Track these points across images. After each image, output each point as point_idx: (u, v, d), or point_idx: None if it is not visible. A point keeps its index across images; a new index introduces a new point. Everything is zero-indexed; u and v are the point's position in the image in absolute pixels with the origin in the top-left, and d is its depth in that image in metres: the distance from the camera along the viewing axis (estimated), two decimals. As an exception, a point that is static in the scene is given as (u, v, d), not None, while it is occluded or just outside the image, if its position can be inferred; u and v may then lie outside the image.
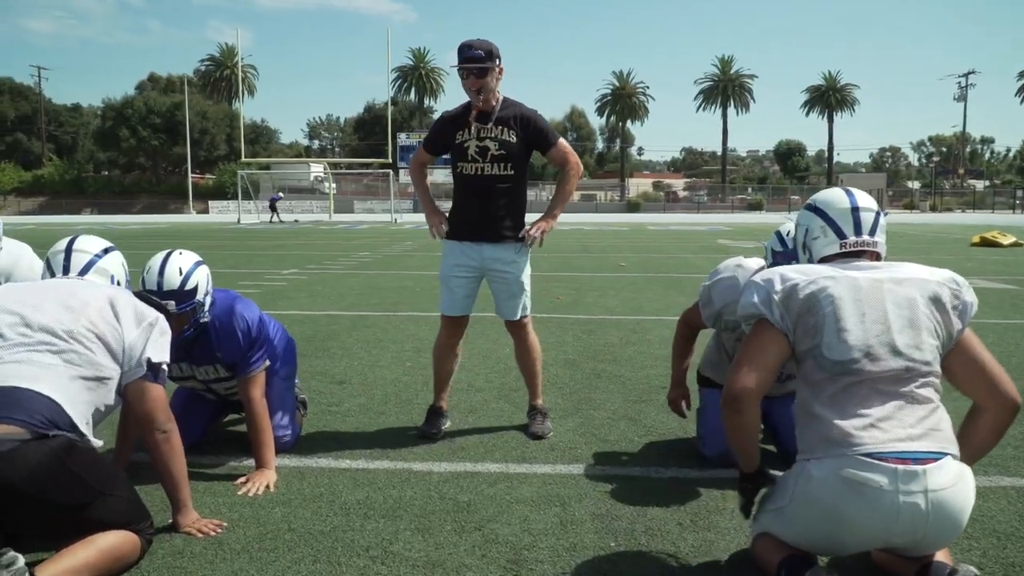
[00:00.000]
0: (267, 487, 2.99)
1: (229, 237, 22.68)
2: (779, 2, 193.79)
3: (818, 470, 2.07)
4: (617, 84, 71.59)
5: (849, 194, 2.30)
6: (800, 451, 2.20)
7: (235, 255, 15.47)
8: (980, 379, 2.17)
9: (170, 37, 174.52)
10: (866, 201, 2.28)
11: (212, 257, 14.75)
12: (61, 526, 2.21)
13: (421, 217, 30.95)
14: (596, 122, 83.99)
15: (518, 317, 3.70)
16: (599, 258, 14.46)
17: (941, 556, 2.10)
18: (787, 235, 3.10)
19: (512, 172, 3.61)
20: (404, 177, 48.65)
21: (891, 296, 2.14)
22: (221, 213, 51.92)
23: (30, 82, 69.25)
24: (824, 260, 2.29)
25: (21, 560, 2.03)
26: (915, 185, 75.01)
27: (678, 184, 77.87)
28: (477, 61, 3.43)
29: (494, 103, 3.56)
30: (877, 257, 2.29)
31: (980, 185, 72.39)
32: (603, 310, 7.76)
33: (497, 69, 3.50)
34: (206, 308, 3.08)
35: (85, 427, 2.35)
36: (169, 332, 2.66)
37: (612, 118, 73.85)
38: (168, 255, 3.02)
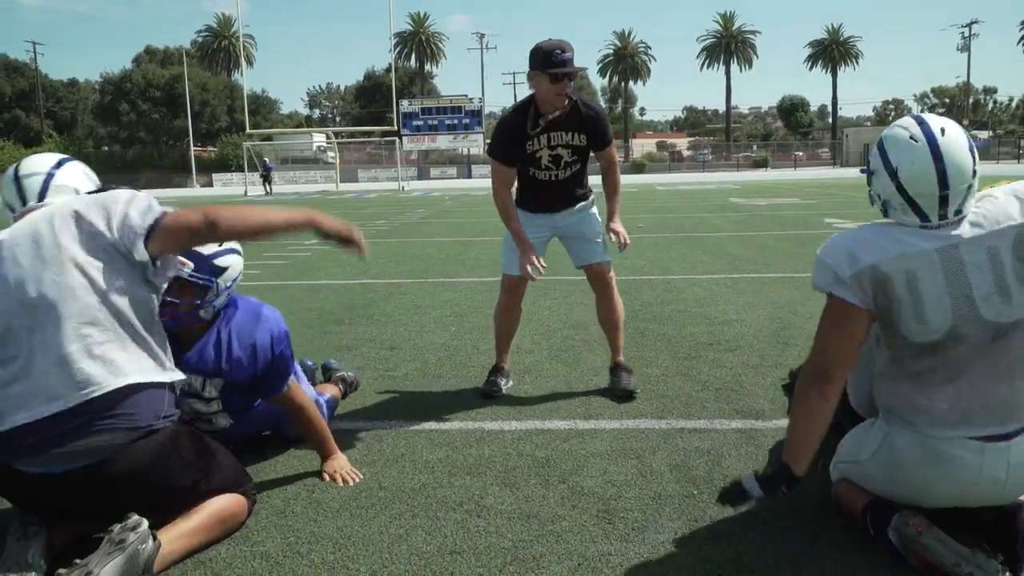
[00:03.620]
0: (351, 475, 2.83)
1: (240, 209, 22.67)
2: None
3: (901, 440, 2.13)
4: (619, 44, 70.85)
5: (941, 174, 1.96)
6: (882, 408, 2.26)
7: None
8: None
9: (165, 8, 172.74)
10: (958, 173, 1.96)
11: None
12: (178, 504, 2.33)
13: (428, 184, 30.97)
14: (598, 83, 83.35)
15: (606, 259, 3.80)
16: (615, 220, 14.50)
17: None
18: None
19: (580, 165, 3.64)
20: (408, 144, 48.46)
21: (971, 261, 1.99)
22: (226, 186, 51.85)
23: (25, 58, 68.66)
24: None
25: (145, 523, 2.14)
26: (920, 137, 74.22)
27: (682, 144, 77.39)
28: (571, 65, 3.29)
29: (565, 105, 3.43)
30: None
31: (984, 135, 71.82)
32: (631, 271, 7.83)
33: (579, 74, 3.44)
34: (218, 301, 2.70)
35: (167, 368, 2.31)
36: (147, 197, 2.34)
37: (614, 79, 73.22)
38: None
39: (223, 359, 2.70)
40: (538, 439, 3.20)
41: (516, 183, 3.64)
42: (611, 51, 71.26)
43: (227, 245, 2.70)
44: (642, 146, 70.84)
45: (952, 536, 2.04)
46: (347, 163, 51.88)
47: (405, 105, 49.31)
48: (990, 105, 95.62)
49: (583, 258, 3.80)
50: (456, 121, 49.05)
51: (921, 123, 2.01)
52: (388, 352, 4.73)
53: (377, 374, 4.22)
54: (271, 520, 2.53)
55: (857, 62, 71.50)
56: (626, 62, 70.27)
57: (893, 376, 2.17)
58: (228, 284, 2.73)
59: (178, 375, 2.36)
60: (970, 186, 2.00)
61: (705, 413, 3.45)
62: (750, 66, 71.05)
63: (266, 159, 39.63)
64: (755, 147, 67.73)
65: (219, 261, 2.66)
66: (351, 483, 2.79)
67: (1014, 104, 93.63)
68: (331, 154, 48.19)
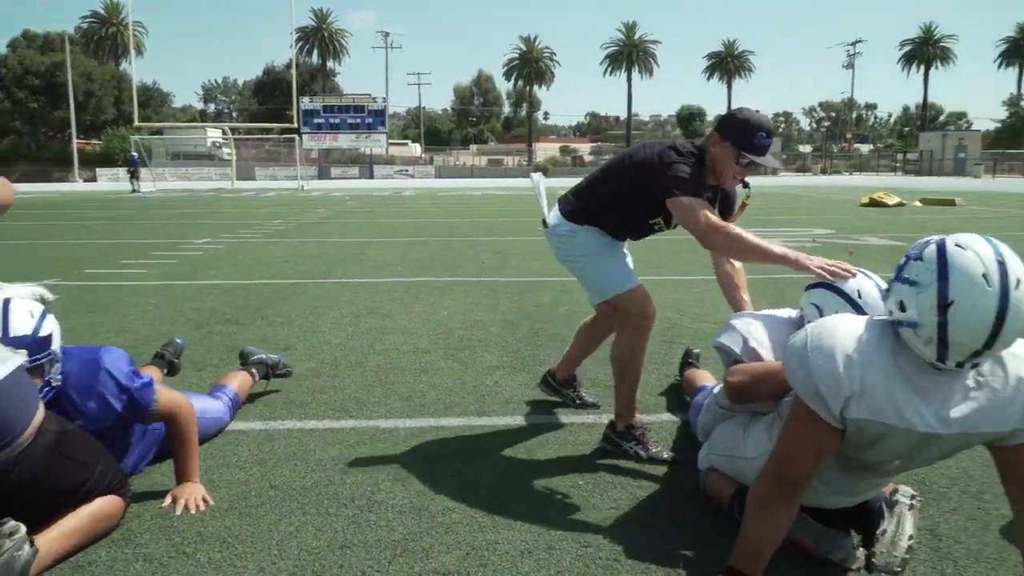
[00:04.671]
0: (204, 501, 2.61)
1: (127, 206, 21.74)
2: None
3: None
4: (524, 48, 71.59)
5: (994, 334, 1.65)
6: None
7: (140, 225, 14.92)
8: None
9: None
10: (1010, 338, 1.68)
11: (115, 228, 14.22)
12: (66, 504, 2.29)
13: (329, 184, 30.52)
14: (503, 87, 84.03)
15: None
16: (518, 223, 14.69)
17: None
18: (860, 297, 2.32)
19: None
20: (308, 142, 47.48)
21: (943, 444, 1.88)
22: (111, 181, 49.33)
23: None
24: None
25: (23, 529, 2.08)
26: (807, 149, 78.30)
27: (584, 149, 78.74)
28: (768, 151, 2.81)
29: None
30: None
31: (865, 149, 76.33)
32: (529, 272, 7.98)
33: None
34: (56, 367, 2.46)
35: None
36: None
37: (519, 82, 73.91)
38: (7, 299, 2.41)
39: (75, 417, 2.46)
40: (432, 436, 3.25)
41: (620, 217, 3.11)
42: (516, 55, 71.94)
43: (39, 308, 2.46)
44: (545, 150, 71.71)
45: (813, 518, 2.21)
46: (244, 160, 50.34)
47: (306, 102, 48.32)
48: (871, 120, 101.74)
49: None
50: (359, 120, 48.45)
51: (1001, 263, 1.65)
52: (283, 352, 4.66)
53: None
54: (155, 521, 2.49)
55: (751, 75, 74.85)
56: (531, 66, 71.06)
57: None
58: (59, 345, 2.50)
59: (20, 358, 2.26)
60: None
61: (594, 409, 3.58)
62: (651, 75, 73.24)
63: (134, 153, 35.66)
64: (653, 154, 69.56)
65: (44, 331, 2.42)
66: (193, 511, 2.55)
67: (892, 120, 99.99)
68: (227, 151, 46.65)
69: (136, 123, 37.50)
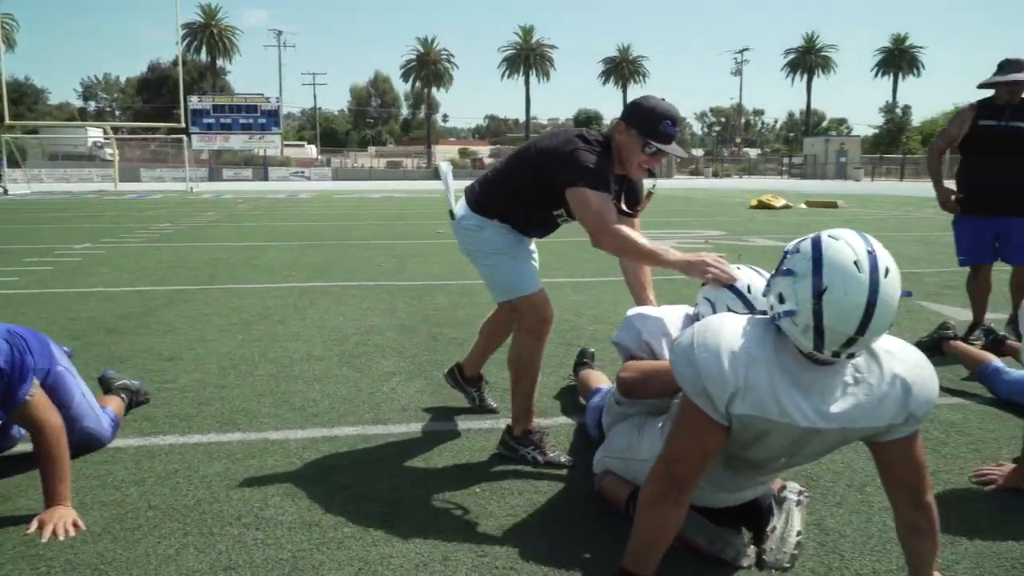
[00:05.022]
0: (74, 525, 2.42)
1: (-1, 209, 20.34)
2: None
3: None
4: (422, 50, 71.15)
5: (865, 321, 1.71)
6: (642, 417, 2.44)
7: (12, 229, 13.96)
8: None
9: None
10: (881, 324, 1.73)
11: (-15, 232, 13.24)
12: None
13: (220, 186, 29.44)
14: (402, 88, 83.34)
15: None
16: (416, 225, 14.55)
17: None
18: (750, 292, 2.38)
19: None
20: (197, 143, 45.75)
21: (823, 440, 1.92)
22: (-18, 182, 46.14)
23: None
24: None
25: None
26: (699, 153, 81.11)
27: (483, 151, 78.97)
28: (676, 141, 2.80)
29: None
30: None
31: (753, 153, 79.69)
32: (427, 276, 7.89)
33: None
34: None
35: None
36: None
37: (417, 84, 73.42)
38: None
39: None
40: (325, 447, 3.14)
41: (526, 213, 3.05)
42: (414, 56, 71.43)
43: None
44: (444, 152, 71.53)
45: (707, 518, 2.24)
46: (128, 161, 47.94)
47: (195, 101, 46.62)
48: (759, 125, 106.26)
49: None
50: (252, 120, 47.12)
51: (871, 253, 1.73)
52: (166, 363, 4.44)
53: (153, 387, 3.93)
54: (19, 550, 2.30)
55: (645, 80, 76.78)
56: (429, 68, 70.66)
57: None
58: None
59: None
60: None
61: (492, 414, 3.55)
62: (548, 78, 74.02)
63: None
64: (552, 157, 70.55)
65: None
66: (62, 537, 2.36)
67: (778, 125, 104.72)
68: (109, 151, 44.34)
69: (7, 121, 35.09)
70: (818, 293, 1.72)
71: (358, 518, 2.50)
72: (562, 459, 2.97)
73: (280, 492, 2.70)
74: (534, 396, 3.07)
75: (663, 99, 2.78)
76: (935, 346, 4.31)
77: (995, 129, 4.49)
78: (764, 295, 1.95)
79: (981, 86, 4.64)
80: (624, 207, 2.99)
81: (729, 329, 1.88)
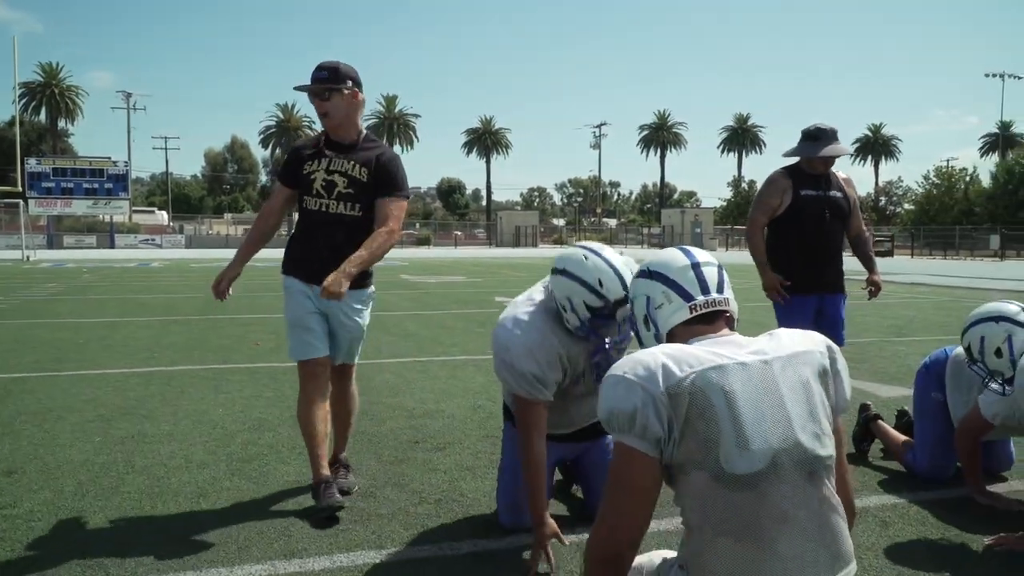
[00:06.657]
0: None
1: None
2: (440, 47, 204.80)
3: None
4: (282, 116, 69.91)
5: (686, 252, 1.98)
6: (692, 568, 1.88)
7: None
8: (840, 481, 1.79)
9: None
10: (705, 256, 1.97)
11: None
12: None
13: (61, 254, 27.23)
14: (260, 154, 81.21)
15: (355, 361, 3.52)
16: (286, 297, 13.62)
17: None
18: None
19: (360, 213, 3.22)
20: (35, 208, 42.30)
21: (784, 381, 1.72)
22: None
23: None
24: (673, 333, 1.87)
25: None
26: (561, 222, 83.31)
27: (347, 218, 77.85)
28: (320, 81, 3.18)
29: (355, 136, 3.32)
30: (731, 320, 1.91)
31: (613, 223, 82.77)
32: (313, 356, 7.15)
33: (348, 92, 3.22)
34: None
35: None
36: None
37: (277, 151, 71.78)
38: None
39: None
40: (226, 596, 2.45)
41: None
42: (274, 123, 70.05)
43: None
44: (307, 220, 69.93)
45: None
46: (-47, 227, 43.61)
47: (33, 164, 43.40)
48: (616, 197, 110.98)
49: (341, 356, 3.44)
50: (97, 185, 44.38)
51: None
52: (4, 479, 3.56)
53: (-16, 515, 3.09)
54: None
55: (508, 151, 78.49)
56: (290, 134, 69.29)
57: (700, 524, 1.69)
58: None
59: None
60: (721, 268, 1.96)
61: (431, 536, 2.95)
62: (412, 147, 74.39)
63: None
64: (417, 225, 70.31)
65: None
66: None
67: (633, 196, 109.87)
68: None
69: None
70: (650, 273, 1.98)
71: None
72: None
73: (175, 676, 2.01)
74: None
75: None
76: (866, 432, 4.11)
77: (818, 199, 4.14)
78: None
79: (794, 155, 4.25)
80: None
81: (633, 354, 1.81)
